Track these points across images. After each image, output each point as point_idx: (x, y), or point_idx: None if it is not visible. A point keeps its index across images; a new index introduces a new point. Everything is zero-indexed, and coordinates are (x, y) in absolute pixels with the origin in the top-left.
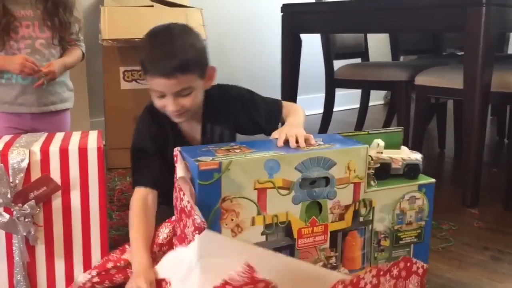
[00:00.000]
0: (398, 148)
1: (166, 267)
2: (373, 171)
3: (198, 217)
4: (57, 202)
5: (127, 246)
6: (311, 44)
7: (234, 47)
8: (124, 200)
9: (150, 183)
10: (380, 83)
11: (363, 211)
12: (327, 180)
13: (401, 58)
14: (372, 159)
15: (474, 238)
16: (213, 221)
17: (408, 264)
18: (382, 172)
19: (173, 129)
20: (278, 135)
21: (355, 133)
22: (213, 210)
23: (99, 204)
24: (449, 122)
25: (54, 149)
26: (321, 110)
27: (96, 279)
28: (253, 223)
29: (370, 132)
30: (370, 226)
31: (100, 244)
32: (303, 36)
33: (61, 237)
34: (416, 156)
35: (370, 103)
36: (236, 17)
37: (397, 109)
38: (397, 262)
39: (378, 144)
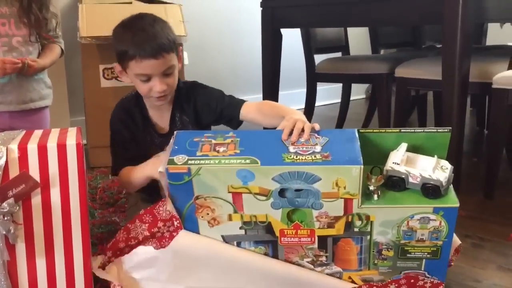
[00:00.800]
0: (443, 152)
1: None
2: (375, 187)
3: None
4: (36, 200)
5: (129, 225)
6: (292, 40)
7: (214, 43)
8: (106, 198)
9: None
10: (361, 76)
11: (357, 223)
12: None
13: (381, 52)
14: (381, 173)
15: (455, 226)
16: (188, 214)
17: (412, 281)
18: (396, 184)
19: (144, 118)
20: (286, 123)
21: (382, 130)
22: (187, 205)
23: (80, 200)
24: (429, 114)
25: (32, 146)
26: (303, 105)
27: (112, 258)
28: (230, 219)
29: (402, 130)
30: (368, 236)
31: (81, 241)
32: (283, 32)
33: (42, 235)
34: (439, 175)
35: (352, 98)
36: (216, 13)
37: (378, 101)
38: (397, 280)
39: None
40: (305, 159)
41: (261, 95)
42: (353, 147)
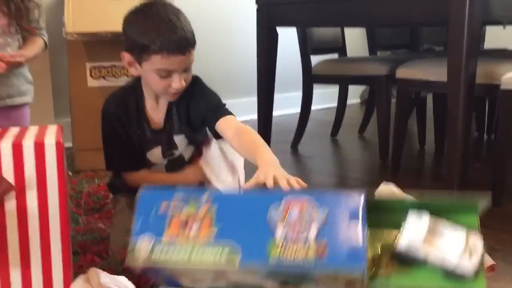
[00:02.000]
0: (473, 220)
1: None
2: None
3: None
4: (10, 205)
5: None
6: (287, 41)
7: (207, 42)
8: (92, 203)
9: (136, 168)
10: (359, 78)
11: None
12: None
13: (378, 54)
14: (393, 249)
15: None
16: None
17: None
18: (411, 260)
19: (138, 109)
20: (263, 177)
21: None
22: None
23: (59, 205)
24: (428, 118)
25: (6, 144)
26: (299, 109)
27: None
28: None
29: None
30: None
31: (61, 251)
32: (279, 32)
33: (17, 244)
34: (467, 265)
35: (347, 102)
36: (209, 11)
37: (377, 105)
38: None
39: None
40: (295, 253)
41: (255, 98)
42: (357, 230)
